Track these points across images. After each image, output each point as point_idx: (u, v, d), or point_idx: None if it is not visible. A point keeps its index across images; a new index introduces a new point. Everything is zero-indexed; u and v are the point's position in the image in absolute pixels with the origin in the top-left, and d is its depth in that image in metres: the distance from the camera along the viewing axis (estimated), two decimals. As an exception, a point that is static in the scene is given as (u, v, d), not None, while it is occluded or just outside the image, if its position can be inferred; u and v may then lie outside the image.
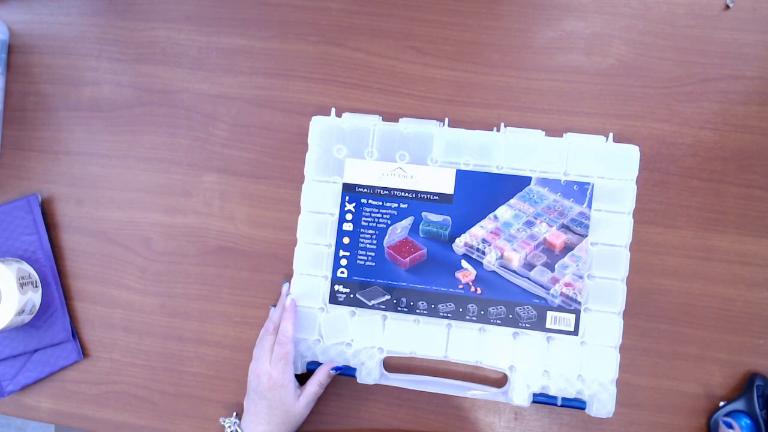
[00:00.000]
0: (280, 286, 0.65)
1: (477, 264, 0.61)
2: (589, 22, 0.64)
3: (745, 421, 0.57)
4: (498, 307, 0.60)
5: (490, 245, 0.61)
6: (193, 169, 0.67)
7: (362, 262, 0.62)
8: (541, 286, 0.60)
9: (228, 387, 0.65)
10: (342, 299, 0.62)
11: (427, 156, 0.62)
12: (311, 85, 0.66)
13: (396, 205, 0.62)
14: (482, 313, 0.60)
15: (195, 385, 0.65)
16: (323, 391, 0.60)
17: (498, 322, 0.60)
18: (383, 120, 0.63)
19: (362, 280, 0.62)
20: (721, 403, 0.59)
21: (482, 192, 0.61)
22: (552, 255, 0.60)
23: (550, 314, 0.60)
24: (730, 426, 0.57)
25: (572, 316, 0.59)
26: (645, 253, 0.61)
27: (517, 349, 0.60)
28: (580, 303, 0.59)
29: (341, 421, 0.64)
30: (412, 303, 0.61)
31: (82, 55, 0.69)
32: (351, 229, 0.62)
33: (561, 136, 0.61)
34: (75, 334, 0.67)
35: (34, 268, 0.66)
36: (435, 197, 0.62)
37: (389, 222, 0.62)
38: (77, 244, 0.68)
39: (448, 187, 0.62)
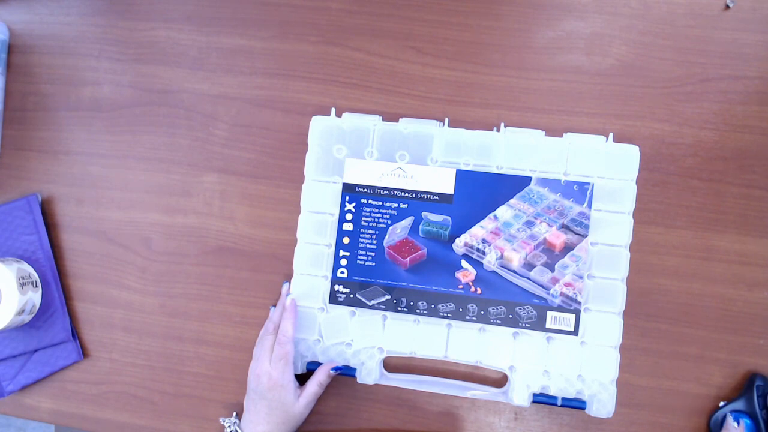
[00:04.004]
0: (280, 286, 0.65)
1: (477, 264, 0.61)
2: (589, 22, 0.64)
3: (746, 421, 0.57)
4: (498, 307, 0.60)
5: (490, 245, 0.61)
6: (193, 169, 0.67)
7: (362, 262, 0.62)
8: (541, 286, 0.60)
9: (228, 387, 0.65)
10: (342, 299, 0.62)
11: (427, 156, 0.62)
12: (311, 85, 0.66)
13: (396, 205, 0.62)
14: (482, 313, 0.60)
15: (195, 385, 0.65)
16: (323, 391, 0.60)
17: (498, 322, 0.60)
18: (383, 120, 0.63)
19: (362, 280, 0.62)
20: (721, 403, 0.59)
21: (482, 192, 0.61)
22: (552, 255, 0.60)
23: (550, 314, 0.60)
24: (738, 421, 0.57)
25: (572, 316, 0.59)
26: (645, 253, 0.61)
27: (517, 349, 0.60)
28: (580, 303, 0.59)
29: (341, 421, 0.64)
30: (412, 303, 0.61)
31: (82, 55, 0.69)
32: (351, 229, 0.62)
33: (561, 136, 0.61)
34: (75, 334, 0.67)
35: (34, 268, 0.66)
36: (435, 197, 0.62)
37: (389, 222, 0.62)
38: (77, 244, 0.68)
39: (448, 187, 0.62)
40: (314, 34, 0.67)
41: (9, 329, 0.63)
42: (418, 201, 0.62)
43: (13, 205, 0.67)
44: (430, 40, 0.65)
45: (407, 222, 0.62)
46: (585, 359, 0.59)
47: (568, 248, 0.60)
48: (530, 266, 0.60)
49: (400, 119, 0.63)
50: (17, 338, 0.66)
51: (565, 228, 0.60)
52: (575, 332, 0.59)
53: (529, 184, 0.61)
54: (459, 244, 0.61)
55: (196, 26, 0.68)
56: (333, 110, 0.64)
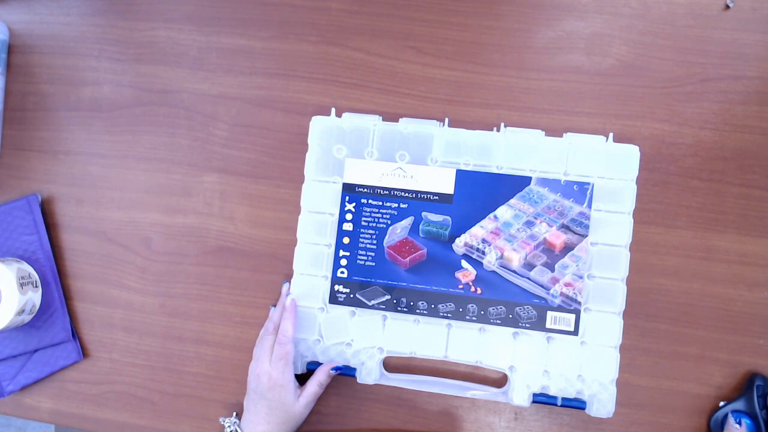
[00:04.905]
0: (280, 286, 0.65)
1: (477, 264, 0.61)
2: (589, 22, 0.64)
3: (746, 421, 0.57)
4: (498, 307, 0.60)
5: (490, 245, 0.61)
6: (193, 169, 0.67)
7: (362, 262, 0.62)
8: (541, 286, 0.60)
9: (228, 387, 0.65)
10: (342, 299, 0.62)
11: (427, 156, 0.62)
12: (311, 85, 0.66)
13: (396, 205, 0.62)
14: (482, 313, 0.60)
15: (195, 385, 0.65)
16: (323, 391, 0.60)
17: (498, 322, 0.60)
18: (383, 120, 0.63)
19: (362, 280, 0.62)
20: (721, 403, 0.59)
21: (482, 192, 0.61)
22: (552, 255, 0.60)
23: (550, 314, 0.60)
24: (739, 421, 0.57)
25: (572, 316, 0.59)
26: (645, 253, 0.61)
27: (517, 349, 0.60)
28: (580, 303, 0.59)
29: (341, 421, 0.64)
30: (412, 303, 0.61)
31: (82, 55, 0.69)
32: (351, 229, 0.62)
33: (561, 136, 0.61)
34: (75, 334, 0.67)
35: (34, 268, 0.66)
36: (435, 197, 0.62)
37: (389, 222, 0.62)
38: (77, 244, 0.68)
39: (448, 187, 0.62)
40: (314, 34, 0.67)
41: (9, 329, 0.63)
42: (418, 201, 0.62)
43: (13, 205, 0.67)
44: (430, 40, 0.65)
45: (407, 222, 0.62)
46: (585, 359, 0.59)
47: (568, 248, 0.60)
48: (530, 266, 0.60)
49: (400, 119, 0.63)
50: (17, 338, 0.66)
51: (565, 228, 0.60)
52: (575, 332, 0.59)
53: (529, 184, 0.61)
54: (459, 244, 0.61)
55: (196, 26, 0.68)
56: (333, 110, 0.64)
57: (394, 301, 0.61)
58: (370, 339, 0.61)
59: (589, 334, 0.59)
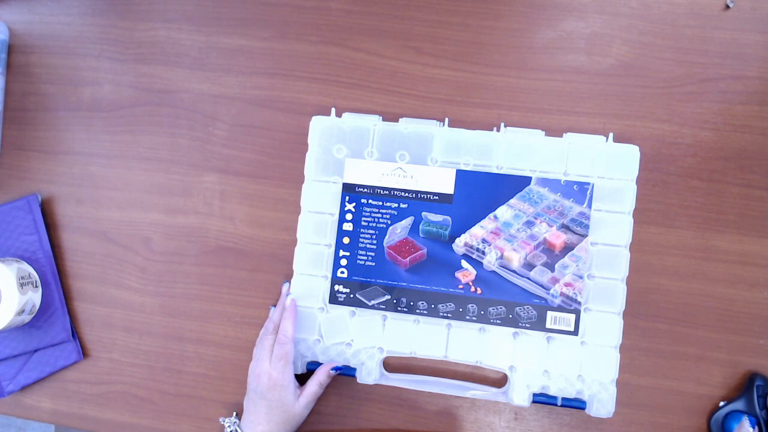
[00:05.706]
0: (280, 286, 0.65)
1: (477, 264, 0.61)
2: (589, 22, 0.64)
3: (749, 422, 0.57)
4: (498, 307, 0.60)
5: (490, 245, 0.61)
6: (193, 169, 0.67)
7: (362, 262, 0.62)
8: (541, 286, 0.60)
9: (228, 387, 0.65)
10: (342, 299, 0.62)
11: (427, 156, 0.62)
12: (311, 85, 0.66)
13: (396, 205, 0.62)
14: (482, 313, 0.60)
15: (195, 385, 0.65)
16: (323, 391, 0.61)
17: (498, 322, 0.60)
18: (383, 120, 0.63)
19: (362, 280, 0.62)
20: (721, 403, 0.59)
21: (482, 192, 0.61)
22: (552, 255, 0.60)
23: (550, 314, 0.60)
24: (753, 426, 0.57)
25: (572, 316, 0.59)
26: (645, 253, 0.61)
27: (517, 349, 0.60)
28: (580, 303, 0.59)
29: (341, 421, 0.64)
30: (412, 303, 0.61)
31: (82, 55, 0.69)
32: (351, 229, 0.62)
33: (561, 136, 0.61)
34: (75, 334, 0.67)
35: (34, 268, 0.66)
36: (435, 197, 0.62)
37: (389, 222, 0.62)
38: (77, 244, 0.68)
39: (448, 187, 0.62)
40: (314, 34, 0.67)
41: (9, 329, 0.63)
42: (418, 201, 0.62)
43: (13, 205, 0.67)
44: (430, 40, 0.65)
45: (407, 222, 0.62)
46: (585, 359, 0.59)
47: (568, 248, 0.60)
48: (530, 266, 0.60)
49: (400, 119, 0.63)
50: (17, 338, 0.66)
51: (565, 228, 0.60)
52: (575, 332, 0.59)
53: (529, 184, 0.61)
54: (459, 244, 0.61)
55: (196, 26, 0.68)
56: (333, 110, 0.64)
57: (394, 301, 0.61)
58: (370, 339, 0.61)
59: (589, 334, 0.59)
